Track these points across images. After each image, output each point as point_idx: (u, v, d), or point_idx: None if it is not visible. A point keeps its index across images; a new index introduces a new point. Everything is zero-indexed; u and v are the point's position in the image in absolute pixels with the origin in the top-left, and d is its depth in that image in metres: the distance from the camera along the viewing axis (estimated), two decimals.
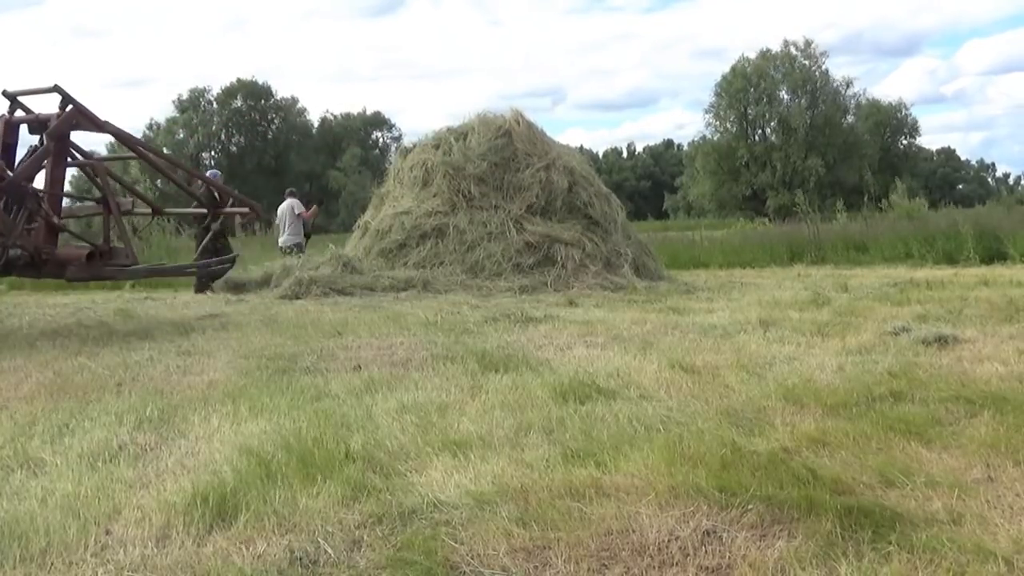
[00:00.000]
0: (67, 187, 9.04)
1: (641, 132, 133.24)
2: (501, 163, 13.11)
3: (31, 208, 7.92)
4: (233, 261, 11.24)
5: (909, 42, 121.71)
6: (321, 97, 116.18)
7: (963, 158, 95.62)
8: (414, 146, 14.22)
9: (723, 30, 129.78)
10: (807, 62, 51.23)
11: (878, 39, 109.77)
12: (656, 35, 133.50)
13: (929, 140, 59.96)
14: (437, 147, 13.65)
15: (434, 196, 12.96)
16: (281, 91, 66.59)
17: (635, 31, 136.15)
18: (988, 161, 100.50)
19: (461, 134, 13.64)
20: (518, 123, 13.67)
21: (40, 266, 8.11)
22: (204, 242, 11.78)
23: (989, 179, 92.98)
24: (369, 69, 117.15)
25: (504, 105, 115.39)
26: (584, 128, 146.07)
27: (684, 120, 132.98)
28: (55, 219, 8.10)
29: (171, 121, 59.75)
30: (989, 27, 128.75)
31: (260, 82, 60.85)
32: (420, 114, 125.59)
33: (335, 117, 68.01)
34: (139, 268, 9.30)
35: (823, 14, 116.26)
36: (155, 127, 60.07)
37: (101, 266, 8.53)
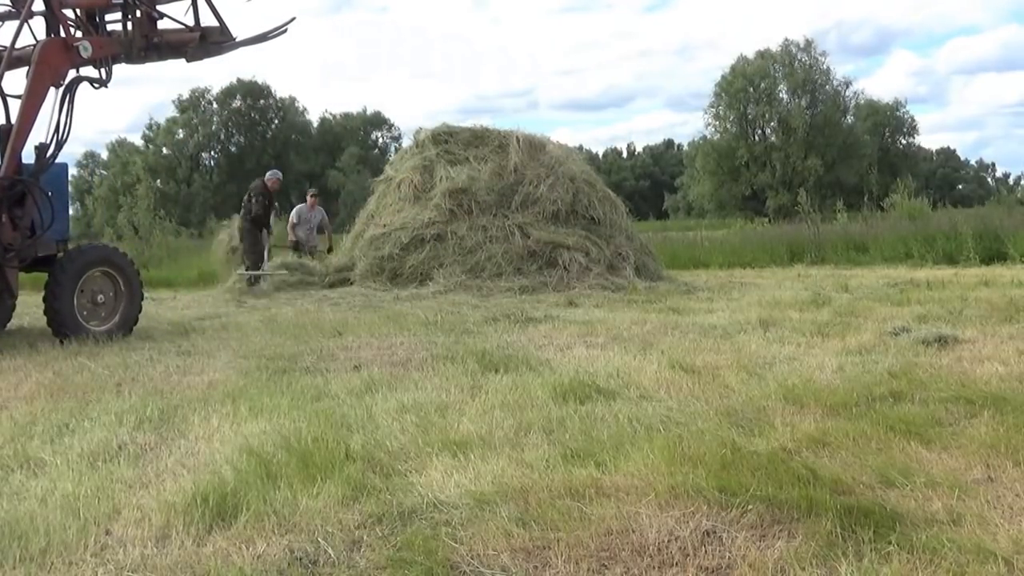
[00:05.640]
0: None
1: (628, 132, 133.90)
2: (504, 187, 13.02)
3: None
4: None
5: (881, 40, 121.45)
6: (310, 94, 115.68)
7: (963, 158, 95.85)
8: (399, 182, 13.87)
9: (696, 31, 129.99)
10: (807, 61, 51.29)
11: (845, 38, 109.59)
12: (632, 35, 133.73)
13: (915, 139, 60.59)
14: (426, 168, 13.49)
15: (431, 209, 12.85)
16: (279, 90, 66.59)
17: (612, 32, 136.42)
18: (984, 162, 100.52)
19: (456, 158, 13.46)
20: (518, 142, 13.56)
21: None
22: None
23: (988, 179, 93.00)
24: (355, 67, 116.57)
25: (481, 105, 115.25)
26: (570, 128, 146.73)
27: (669, 120, 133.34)
28: None
29: (171, 121, 59.70)
30: (959, 29, 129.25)
31: (260, 82, 61.03)
32: (401, 114, 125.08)
33: (334, 117, 68.07)
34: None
35: (794, 14, 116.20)
36: (155, 127, 60.15)
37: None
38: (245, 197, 13.76)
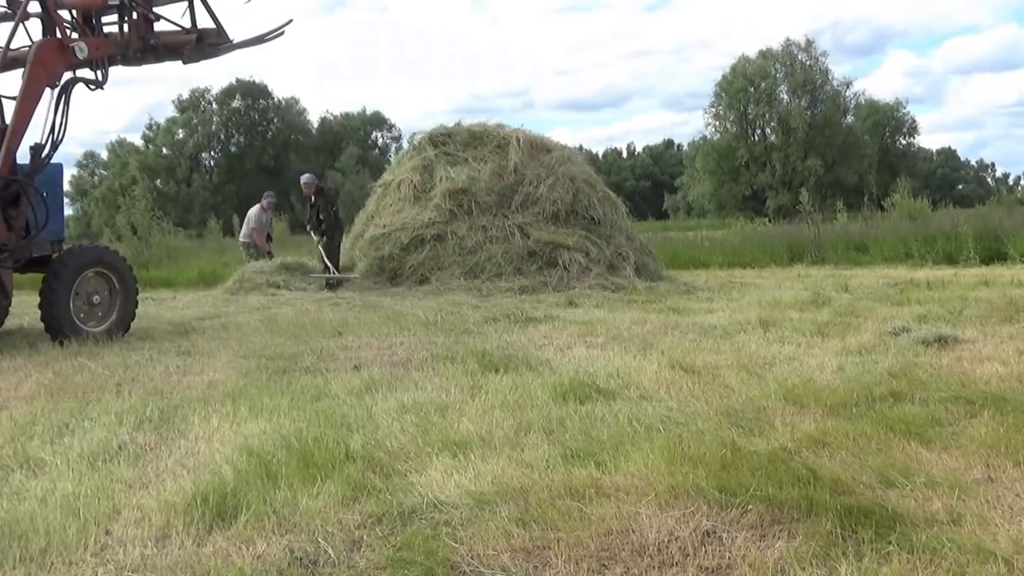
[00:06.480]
0: None
1: (625, 132, 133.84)
2: (504, 187, 13.00)
3: None
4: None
5: (877, 40, 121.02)
6: (309, 95, 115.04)
7: (962, 158, 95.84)
8: (398, 183, 13.75)
9: (692, 31, 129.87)
10: (807, 61, 51.33)
11: (841, 38, 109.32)
12: (631, 35, 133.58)
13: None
14: (426, 168, 13.45)
15: (431, 209, 12.84)
16: (278, 91, 66.65)
17: (611, 32, 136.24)
18: (984, 162, 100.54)
19: (455, 159, 13.38)
20: (518, 142, 13.51)
21: None
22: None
23: (988, 179, 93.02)
24: (353, 67, 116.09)
25: (478, 105, 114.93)
26: (567, 128, 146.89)
27: (666, 120, 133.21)
28: None
29: (171, 121, 59.71)
30: (956, 30, 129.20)
31: (257, 82, 61.03)
32: (398, 114, 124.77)
33: (334, 117, 68.09)
34: None
35: (791, 14, 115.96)
36: (155, 127, 60.18)
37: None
38: (325, 204, 13.24)
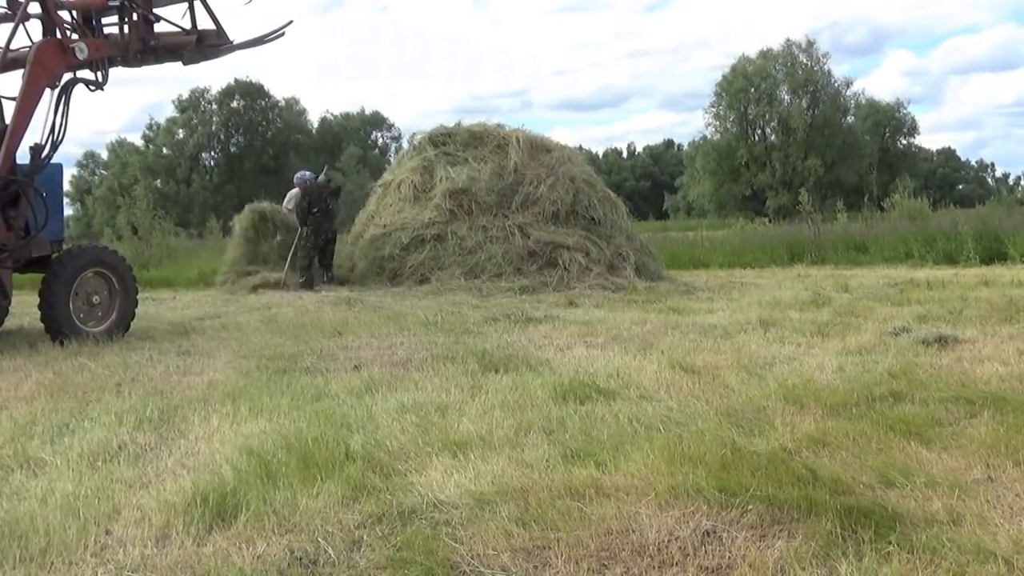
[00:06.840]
0: None
1: (624, 131, 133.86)
2: (504, 187, 13.00)
3: None
4: None
5: (875, 40, 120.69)
6: (309, 95, 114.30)
7: (962, 158, 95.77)
8: (399, 183, 13.70)
9: (690, 31, 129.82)
10: (808, 62, 51.35)
11: (839, 38, 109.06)
12: (630, 35, 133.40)
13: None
14: (426, 168, 13.44)
15: (432, 209, 12.85)
16: (278, 91, 66.58)
17: (611, 32, 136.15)
18: (984, 161, 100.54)
19: (455, 159, 13.37)
20: (518, 142, 13.50)
21: None
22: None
23: (988, 179, 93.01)
24: (352, 67, 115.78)
25: (477, 105, 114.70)
26: (566, 128, 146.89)
27: (665, 120, 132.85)
28: None
29: (171, 121, 59.74)
30: (955, 30, 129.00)
31: (254, 82, 61.00)
32: (396, 114, 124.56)
33: (335, 117, 68.11)
34: None
35: (790, 14, 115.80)
36: (155, 127, 60.21)
37: None
38: (301, 201, 13.10)
